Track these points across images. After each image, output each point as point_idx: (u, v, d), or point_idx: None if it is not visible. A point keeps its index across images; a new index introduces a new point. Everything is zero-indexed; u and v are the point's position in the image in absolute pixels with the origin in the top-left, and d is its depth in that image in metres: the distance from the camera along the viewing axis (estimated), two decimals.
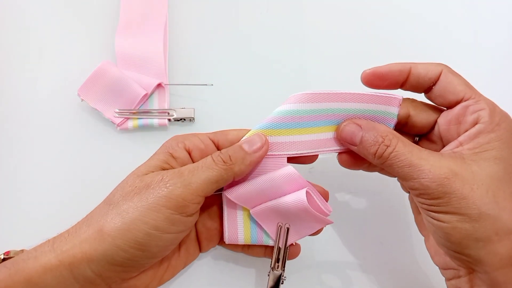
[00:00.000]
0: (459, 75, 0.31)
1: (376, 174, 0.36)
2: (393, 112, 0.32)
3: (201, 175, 0.29)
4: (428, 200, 0.28)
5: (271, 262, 0.33)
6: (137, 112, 0.42)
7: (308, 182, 0.33)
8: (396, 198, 0.41)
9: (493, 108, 0.29)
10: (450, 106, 0.31)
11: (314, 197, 0.32)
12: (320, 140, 0.33)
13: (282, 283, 0.33)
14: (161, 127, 0.43)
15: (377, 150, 0.30)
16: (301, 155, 0.33)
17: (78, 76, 0.42)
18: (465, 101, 0.30)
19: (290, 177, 0.32)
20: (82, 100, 0.42)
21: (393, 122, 0.32)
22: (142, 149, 0.42)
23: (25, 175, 0.41)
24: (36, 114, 0.43)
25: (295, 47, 0.46)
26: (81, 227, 0.29)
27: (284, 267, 0.33)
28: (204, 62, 0.46)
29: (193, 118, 0.43)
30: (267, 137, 0.32)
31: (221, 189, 0.34)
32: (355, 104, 0.32)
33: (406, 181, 0.29)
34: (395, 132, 0.31)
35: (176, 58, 0.45)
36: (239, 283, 0.39)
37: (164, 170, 0.31)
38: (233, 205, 0.34)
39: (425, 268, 0.39)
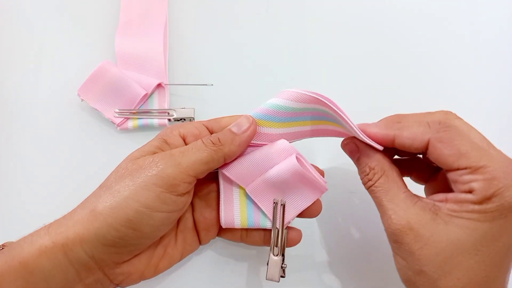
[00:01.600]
0: (453, 138, 0.28)
1: None
2: None
3: (192, 156, 0.30)
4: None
5: (270, 246, 0.33)
6: (137, 112, 0.42)
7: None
8: None
9: (491, 178, 0.26)
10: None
11: (305, 163, 0.33)
12: (304, 131, 0.34)
13: (283, 272, 0.33)
14: (161, 127, 0.43)
15: (362, 179, 0.32)
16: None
17: (78, 76, 0.42)
18: (459, 170, 0.27)
19: (284, 149, 0.33)
20: (82, 100, 0.42)
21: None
22: None
23: (25, 174, 0.41)
24: (36, 114, 0.43)
25: (296, 47, 0.46)
26: (76, 211, 0.29)
27: (283, 252, 0.33)
28: (204, 62, 0.46)
29: (193, 118, 0.43)
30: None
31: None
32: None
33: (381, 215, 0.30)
34: (386, 163, 0.31)
35: (176, 58, 0.45)
36: (239, 283, 0.39)
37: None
38: (230, 186, 0.34)
39: None
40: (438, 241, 0.27)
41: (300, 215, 0.34)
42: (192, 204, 0.35)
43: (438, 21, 0.48)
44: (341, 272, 0.39)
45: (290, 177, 0.32)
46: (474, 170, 0.27)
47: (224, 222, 0.34)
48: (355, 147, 0.33)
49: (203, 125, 0.34)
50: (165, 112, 0.43)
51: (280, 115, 0.32)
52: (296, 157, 0.32)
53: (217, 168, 0.33)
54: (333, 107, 0.30)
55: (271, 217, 0.34)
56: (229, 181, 0.34)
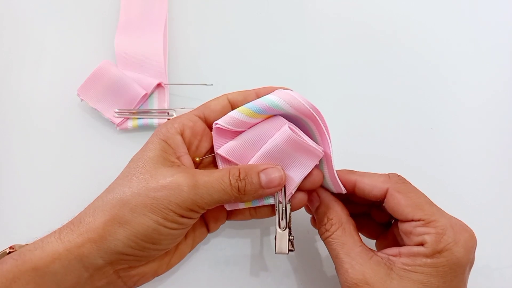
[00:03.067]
0: (409, 191, 0.31)
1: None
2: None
3: (214, 194, 0.30)
4: None
5: (276, 221, 0.33)
6: (137, 112, 0.42)
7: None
8: None
9: (442, 232, 0.28)
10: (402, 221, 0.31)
11: (297, 131, 0.33)
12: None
13: (291, 245, 0.33)
14: None
15: (320, 230, 0.33)
16: None
17: (78, 76, 0.42)
18: (413, 221, 0.29)
19: (276, 122, 0.33)
20: (82, 100, 0.42)
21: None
22: None
23: (25, 174, 0.41)
24: (36, 114, 0.43)
25: (295, 48, 0.46)
26: (85, 217, 0.29)
27: (290, 225, 0.33)
28: (204, 62, 0.46)
29: None
30: (251, 119, 0.32)
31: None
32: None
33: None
34: (344, 216, 0.32)
35: (176, 58, 0.45)
36: (239, 283, 0.39)
37: (169, 163, 0.31)
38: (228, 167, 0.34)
39: None
40: None
41: (302, 187, 0.34)
42: None
43: (439, 27, 0.48)
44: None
45: (285, 146, 0.32)
46: (427, 223, 0.29)
47: (229, 206, 0.34)
48: (316, 196, 0.34)
49: (195, 115, 0.34)
50: (165, 112, 0.42)
51: (270, 111, 0.32)
52: (289, 127, 0.32)
53: (214, 152, 0.34)
54: (320, 122, 0.32)
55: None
56: (228, 163, 0.34)
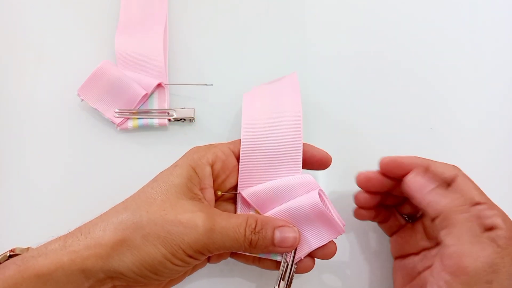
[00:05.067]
0: (473, 181, 0.31)
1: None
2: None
3: (227, 242, 0.30)
4: None
5: (277, 278, 0.32)
6: (137, 112, 0.42)
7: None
8: None
9: (505, 215, 0.29)
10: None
11: (326, 201, 0.32)
12: None
13: None
14: (161, 127, 0.43)
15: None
16: None
17: (78, 76, 0.42)
18: (479, 204, 0.29)
19: (307, 183, 0.32)
20: (82, 100, 0.42)
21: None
22: (142, 149, 0.42)
23: (25, 175, 0.41)
24: (36, 114, 0.43)
25: (296, 48, 0.46)
26: (95, 229, 0.29)
27: (290, 286, 0.32)
28: (204, 62, 0.46)
29: (193, 118, 0.43)
30: None
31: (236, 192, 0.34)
32: None
33: None
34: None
35: (176, 58, 0.45)
36: (239, 283, 0.39)
37: (189, 191, 0.31)
38: (247, 210, 0.34)
39: None
40: None
41: (313, 255, 0.33)
42: None
43: (439, 27, 0.48)
44: (341, 272, 0.39)
45: (309, 212, 0.32)
46: (491, 205, 0.29)
47: None
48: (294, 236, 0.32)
49: (229, 148, 0.34)
50: (165, 112, 0.43)
51: None
52: (319, 193, 0.32)
53: (237, 191, 0.34)
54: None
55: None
56: (247, 205, 0.34)
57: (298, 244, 0.32)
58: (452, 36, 0.47)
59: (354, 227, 0.40)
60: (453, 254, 0.28)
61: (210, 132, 0.43)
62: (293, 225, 0.32)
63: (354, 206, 0.37)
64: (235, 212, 0.34)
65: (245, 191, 0.33)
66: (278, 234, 0.31)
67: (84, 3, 0.47)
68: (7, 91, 0.44)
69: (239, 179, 0.34)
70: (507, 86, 0.46)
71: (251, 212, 0.34)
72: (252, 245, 0.30)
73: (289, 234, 0.31)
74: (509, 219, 0.29)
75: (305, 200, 0.32)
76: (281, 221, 0.32)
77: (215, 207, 0.34)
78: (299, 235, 0.32)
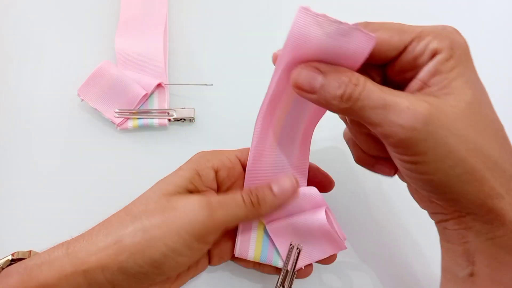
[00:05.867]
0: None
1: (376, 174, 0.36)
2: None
3: (229, 211, 0.30)
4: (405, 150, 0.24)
5: (276, 285, 0.33)
6: (137, 112, 0.42)
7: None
8: (397, 198, 0.41)
9: (437, 32, 0.26)
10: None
11: (332, 219, 0.33)
12: None
13: None
14: (161, 127, 0.43)
15: (344, 92, 0.24)
16: None
17: (78, 76, 0.42)
18: (409, 45, 0.26)
19: (315, 200, 0.33)
20: (82, 100, 0.42)
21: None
22: (142, 149, 0.42)
23: (25, 175, 0.41)
24: (36, 114, 0.43)
25: None
26: (98, 235, 0.29)
27: None
28: (204, 62, 0.46)
29: (193, 118, 0.43)
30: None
31: None
32: None
33: (381, 126, 0.24)
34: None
35: (176, 58, 0.45)
36: (239, 283, 0.39)
37: (190, 192, 0.31)
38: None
39: (427, 268, 0.39)
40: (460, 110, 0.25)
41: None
42: None
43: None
44: (341, 272, 0.39)
45: (314, 229, 0.32)
46: (419, 37, 0.25)
47: (238, 252, 0.34)
48: (314, 68, 0.27)
49: (236, 156, 0.34)
50: (165, 112, 0.43)
51: None
52: (325, 211, 0.32)
53: None
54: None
55: (284, 258, 0.34)
56: None
57: (298, 186, 0.31)
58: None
59: (355, 228, 0.40)
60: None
61: (210, 132, 0.43)
62: (288, 177, 0.31)
63: (355, 204, 0.37)
64: (236, 228, 0.34)
65: None
66: (276, 188, 0.31)
67: (84, 3, 0.47)
68: (7, 91, 0.44)
69: (244, 186, 0.34)
70: (507, 86, 0.46)
71: (253, 224, 0.34)
72: (254, 205, 0.30)
73: (285, 183, 0.31)
74: (438, 31, 0.26)
75: (312, 218, 0.32)
76: (272, 180, 0.31)
77: None
78: (296, 180, 0.31)
